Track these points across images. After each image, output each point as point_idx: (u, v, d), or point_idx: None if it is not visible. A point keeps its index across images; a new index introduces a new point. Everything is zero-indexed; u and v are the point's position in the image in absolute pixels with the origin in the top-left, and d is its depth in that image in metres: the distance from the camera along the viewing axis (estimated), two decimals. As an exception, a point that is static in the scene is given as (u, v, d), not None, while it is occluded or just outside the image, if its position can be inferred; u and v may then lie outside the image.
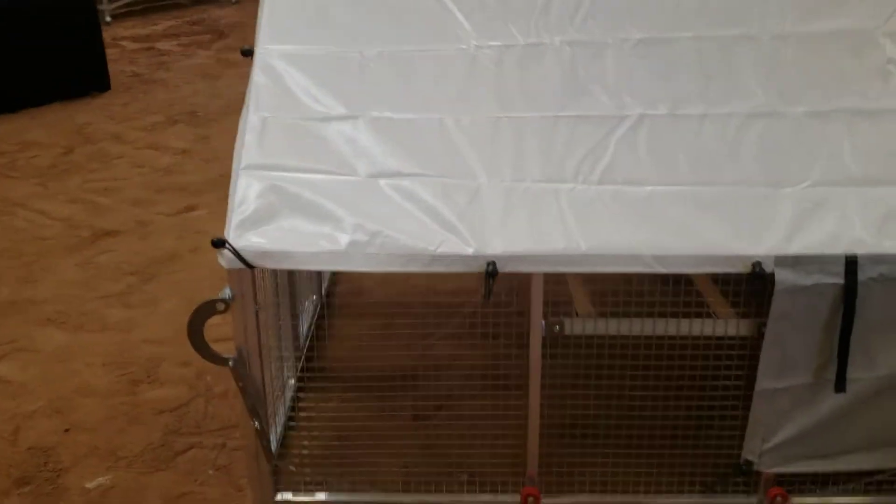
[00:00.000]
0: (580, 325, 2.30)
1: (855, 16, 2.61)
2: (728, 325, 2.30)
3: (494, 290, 2.12)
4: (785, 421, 2.33)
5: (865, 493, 2.46)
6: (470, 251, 2.16)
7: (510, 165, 2.34)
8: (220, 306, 2.21)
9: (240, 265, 2.17)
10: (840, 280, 2.16)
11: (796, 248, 2.16)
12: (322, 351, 3.05)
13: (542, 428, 2.36)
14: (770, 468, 2.39)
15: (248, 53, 2.56)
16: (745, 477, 2.42)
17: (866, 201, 2.25)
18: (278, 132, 2.39)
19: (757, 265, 2.15)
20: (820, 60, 2.53)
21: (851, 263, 2.15)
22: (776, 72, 2.51)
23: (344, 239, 2.18)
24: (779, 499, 2.41)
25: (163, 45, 8.82)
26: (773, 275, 2.15)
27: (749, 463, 2.39)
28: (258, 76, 2.48)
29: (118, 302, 3.66)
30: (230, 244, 2.16)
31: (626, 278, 2.32)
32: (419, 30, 2.60)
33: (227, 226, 2.22)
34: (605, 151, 2.36)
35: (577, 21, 2.61)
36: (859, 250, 2.16)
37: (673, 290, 2.34)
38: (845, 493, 2.44)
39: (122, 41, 8.38)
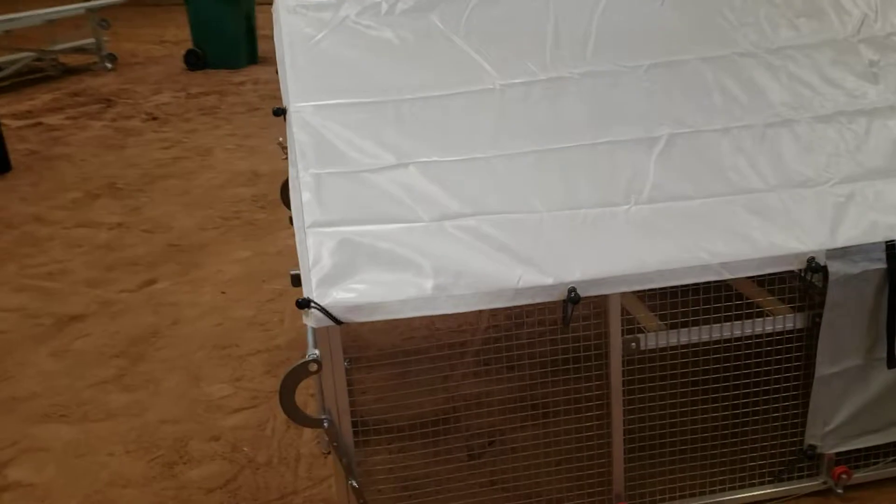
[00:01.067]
0: (654, 339, 2.39)
1: (831, 28, 2.87)
2: (785, 321, 2.45)
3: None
4: (841, 403, 2.50)
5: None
6: (550, 281, 2.22)
7: (563, 195, 2.43)
8: (313, 367, 2.18)
9: (328, 323, 2.14)
10: (882, 265, 2.35)
11: (841, 240, 2.35)
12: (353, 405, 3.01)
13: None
14: (832, 449, 2.55)
15: (281, 113, 2.55)
16: (811, 461, 2.57)
17: (886, 191, 2.47)
18: (333, 187, 2.38)
19: (811, 260, 2.32)
20: (812, 69, 2.76)
21: (891, 248, 2.35)
22: (776, 83, 2.72)
23: (428, 284, 2.19)
24: (843, 476, 2.57)
25: (50, 119, 8.47)
26: (826, 267, 2.32)
27: (812, 447, 2.54)
28: (299, 134, 2.47)
29: (115, 386, 3.48)
30: (316, 303, 2.14)
31: (663, 293, 2.42)
32: (442, 74, 2.67)
33: (305, 286, 2.20)
34: (648, 172, 2.48)
35: (589, 54, 2.75)
36: (887, 235, 2.36)
37: (714, 297, 2.46)
38: (899, 461, 2.63)
39: (2, 119, 7.97)
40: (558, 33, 2.78)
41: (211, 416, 3.23)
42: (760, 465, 2.59)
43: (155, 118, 8.27)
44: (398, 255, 2.26)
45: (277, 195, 5.91)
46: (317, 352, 2.19)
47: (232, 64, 10.49)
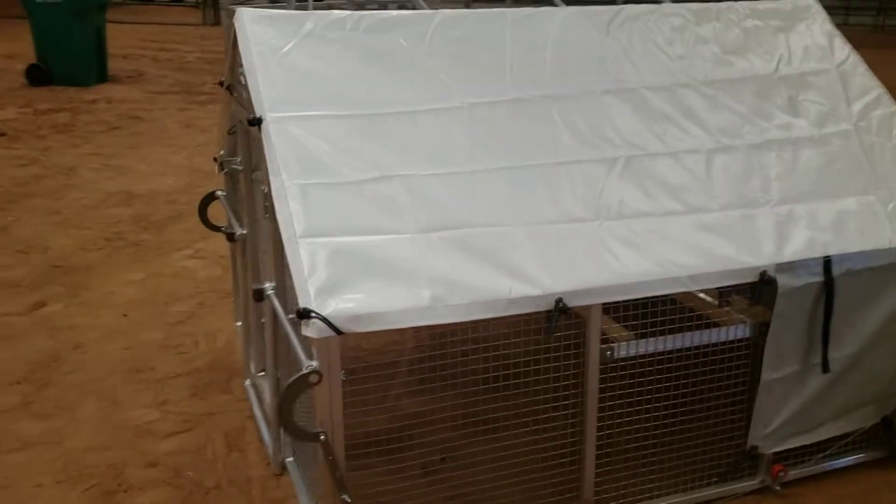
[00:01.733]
0: (625, 349, 2.51)
1: (752, 64, 3.15)
2: (738, 330, 2.64)
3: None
4: (781, 406, 2.71)
5: (841, 453, 2.90)
6: (538, 291, 2.30)
7: (539, 209, 2.52)
8: (314, 378, 2.13)
9: (330, 333, 2.11)
10: (820, 278, 2.60)
11: (787, 255, 2.58)
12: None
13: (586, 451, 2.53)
14: (771, 449, 2.76)
15: (257, 123, 2.49)
16: (752, 461, 2.77)
17: (819, 211, 2.74)
18: (320, 198, 2.36)
19: (764, 274, 2.53)
20: (741, 101, 3.02)
21: (828, 263, 2.60)
22: (713, 113, 2.95)
23: (426, 294, 2.21)
24: (781, 474, 2.79)
25: None
26: (775, 280, 2.54)
27: (754, 448, 2.74)
28: (280, 144, 2.43)
29: (23, 414, 3.21)
30: (317, 313, 2.11)
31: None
32: (412, 90, 2.70)
33: (302, 296, 2.16)
34: (612, 190, 2.62)
35: (546, 78, 2.87)
36: (829, 252, 2.62)
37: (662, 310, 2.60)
38: (827, 458, 2.88)
39: None
40: (516, 57, 2.88)
41: (142, 442, 3.05)
42: (707, 467, 2.76)
43: (3, 134, 7.70)
44: (391, 266, 2.27)
45: (160, 216, 5.70)
46: (315, 363, 2.14)
47: (80, 81, 9.96)
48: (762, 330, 2.64)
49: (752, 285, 2.57)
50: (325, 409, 2.19)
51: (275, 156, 2.41)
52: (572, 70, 2.92)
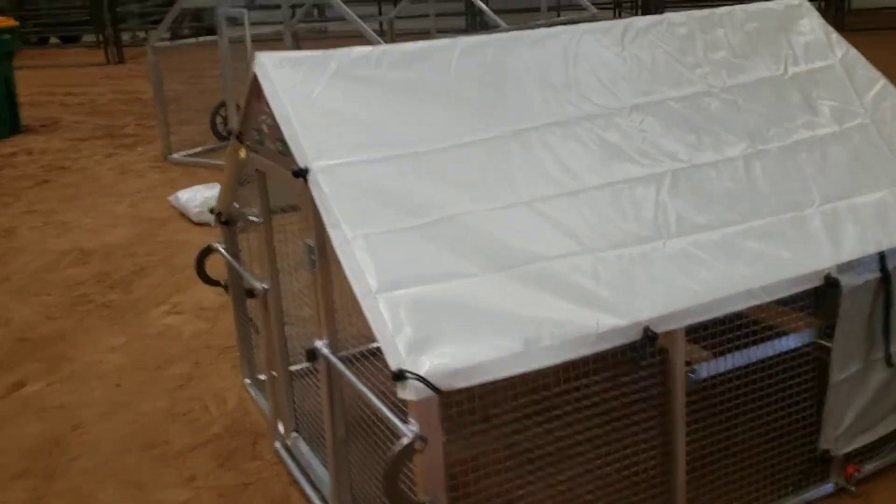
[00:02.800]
0: (706, 369, 2.45)
1: (763, 66, 3.15)
2: (804, 336, 2.62)
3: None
4: (848, 406, 2.70)
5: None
6: (625, 322, 2.22)
7: (603, 235, 2.44)
8: (420, 445, 1.99)
9: (429, 393, 1.97)
10: (877, 274, 2.60)
11: (846, 255, 2.57)
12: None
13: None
14: (842, 450, 2.75)
15: (303, 174, 2.33)
16: (824, 465, 2.75)
17: (860, 207, 2.74)
18: (386, 247, 2.22)
19: (828, 276, 2.51)
20: (761, 104, 3.01)
21: (882, 258, 2.61)
22: (738, 118, 2.93)
23: (517, 338, 2.10)
24: (856, 474, 2.78)
25: None
26: (838, 281, 2.52)
27: (826, 451, 2.72)
28: (333, 194, 2.27)
29: (39, 510, 2.94)
30: (412, 373, 1.97)
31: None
32: (448, 123, 2.59)
33: (392, 356, 2.02)
34: (667, 207, 2.57)
35: (574, 99, 2.80)
36: (881, 247, 2.62)
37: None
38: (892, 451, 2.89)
39: None
40: (542, 80, 2.80)
41: (182, 526, 2.83)
42: (783, 477, 2.73)
43: (-80, 202, 7.18)
44: (473, 312, 2.15)
45: (123, 273, 5.38)
46: (415, 427, 2.00)
47: (-9, 134, 9.40)
48: (827, 332, 2.62)
49: (816, 289, 2.55)
50: (433, 475, 2.05)
51: (331, 207, 2.26)
52: (598, 87, 2.86)
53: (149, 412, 3.59)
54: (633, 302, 2.27)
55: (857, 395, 2.71)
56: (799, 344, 2.62)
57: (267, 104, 2.54)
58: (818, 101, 3.09)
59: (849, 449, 2.76)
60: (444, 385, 1.99)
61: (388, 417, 2.08)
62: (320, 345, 2.53)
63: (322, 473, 2.91)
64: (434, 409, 2.01)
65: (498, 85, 2.74)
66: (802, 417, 2.70)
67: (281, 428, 3.19)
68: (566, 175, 2.57)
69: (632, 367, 2.29)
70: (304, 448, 3.10)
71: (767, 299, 2.45)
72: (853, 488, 2.77)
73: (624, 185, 2.60)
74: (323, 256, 2.46)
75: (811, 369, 2.66)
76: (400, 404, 2.03)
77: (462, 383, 2.02)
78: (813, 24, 3.36)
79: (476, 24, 15.58)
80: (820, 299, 2.59)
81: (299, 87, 2.50)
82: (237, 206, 3.00)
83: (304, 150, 2.36)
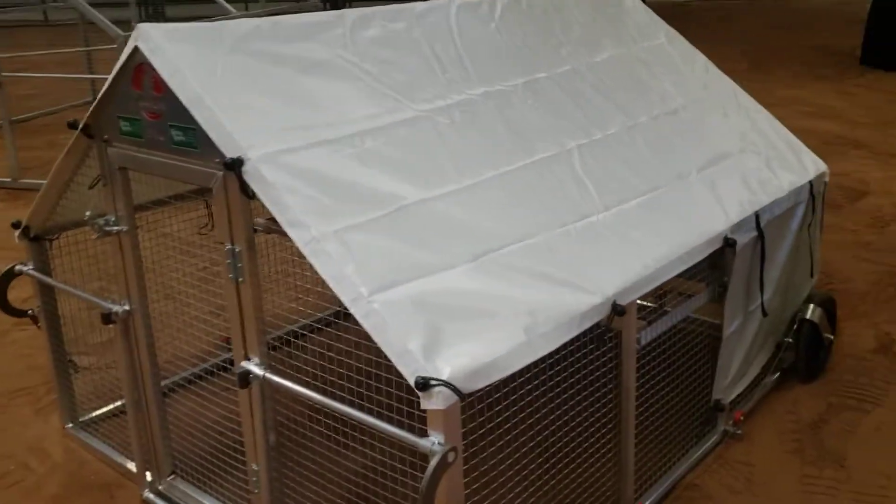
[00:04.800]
0: (648, 335, 2.47)
1: (610, 45, 3.26)
2: (703, 297, 2.75)
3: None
4: (733, 356, 2.91)
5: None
6: (598, 299, 2.18)
7: (545, 214, 2.37)
8: (451, 457, 1.77)
9: (454, 399, 1.77)
10: (755, 232, 2.82)
11: (734, 217, 2.75)
12: None
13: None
14: (730, 398, 2.95)
15: (236, 165, 1.96)
16: (719, 413, 2.94)
17: (727, 173, 2.95)
18: (359, 243, 1.95)
19: (727, 238, 2.67)
20: (620, 82, 3.12)
21: (758, 217, 2.83)
22: (607, 95, 3.01)
23: (517, 327, 1.97)
24: (742, 418, 3.00)
25: None
26: (735, 241, 2.69)
27: (718, 401, 2.91)
28: (283, 187, 1.94)
29: None
30: (438, 379, 1.76)
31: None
32: (364, 102, 2.34)
33: (406, 364, 1.79)
34: (584, 182, 2.56)
35: (473, 76, 2.68)
36: (754, 207, 2.84)
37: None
38: (761, 389, 3.16)
39: None
40: (437, 57, 2.64)
41: None
42: (690, 430, 2.86)
43: None
44: (467, 306, 1.98)
45: None
46: (437, 439, 1.78)
47: None
48: (719, 292, 2.79)
49: (718, 250, 2.69)
50: (452, 490, 1.84)
51: (285, 202, 1.93)
52: (488, 65, 2.76)
53: (-51, 484, 2.86)
54: (594, 278, 2.23)
55: (740, 345, 2.93)
56: (701, 304, 2.75)
57: (157, 85, 2.11)
58: (662, 77, 3.27)
59: (733, 396, 2.98)
60: (467, 388, 1.80)
61: (401, 435, 1.83)
62: (251, 366, 2.17)
63: (227, 513, 2.52)
64: (457, 416, 1.81)
65: (396, 62, 2.53)
66: (701, 373, 2.86)
67: (148, 476, 2.71)
68: (489, 157, 2.45)
69: (598, 342, 2.25)
70: (187, 489, 2.66)
71: (691, 263, 2.54)
72: (739, 431, 2.99)
73: (542, 163, 2.54)
74: (252, 263, 2.10)
75: (706, 328, 2.82)
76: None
77: (481, 383, 1.84)
78: (636, 5, 3.55)
79: (149, 14, 14.55)
80: (715, 260, 2.74)
81: (201, 66, 2.10)
82: (88, 213, 2.46)
83: (233, 137, 1.99)
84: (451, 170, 2.32)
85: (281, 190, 1.95)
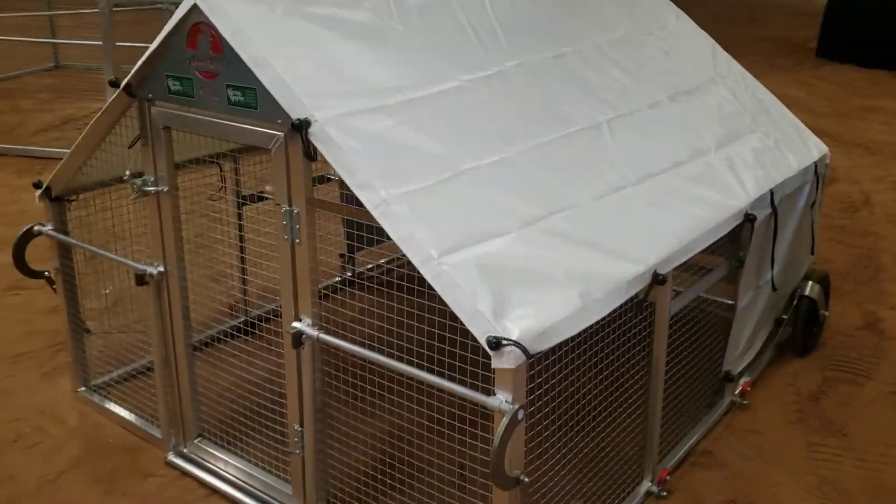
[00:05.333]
0: (676, 305, 2.55)
1: (622, 24, 3.32)
2: (721, 271, 2.84)
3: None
4: (744, 329, 3.02)
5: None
6: (642, 268, 2.25)
7: (585, 184, 2.43)
8: (520, 415, 1.82)
9: (523, 358, 1.83)
10: (769, 209, 2.93)
11: (752, 194, 2.84)
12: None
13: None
14: (738, 369, 3.06)
15: (303, 126, 1.97)
16: (728, 383, 3.05)
17: (741, 152, 3.05)
18: (424, 208, 1.98)
19: (748, 213, 2.77)
20: (639, 61, 3.18)
21: (772, 194, 2.94)
22: (628, 74, 3.07)
23: (573, 293, 2.02)
24: (749, 388, 3.11)
25: None
26: (755, 216, 2.79)
27: (728, 372, 3.02)
28: (352, 150, 1.96)
29: None
30: (510, 340, 1.81)
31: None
32: (413, 70, 2.37)
33: (477, 323, 1.83)
34: (615, 155, 2.62)
35: (506, 46, 2.72)
36: (769, 185, 2.95)
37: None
38: (762, 362, 3.28)
39: None
40: (472, 26, 2.67)
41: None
42: (695, 401, 2.97)
43: None
44: (527, 270, 2.03)
45: None
46: (504, 398, 1.84)
47: None
48: (735, 266, 2.89)
49: (738, 225, 2.78)
50: (517, 448, 1.90)
51: (354, 164, 1.95)
52: (519, 37, 2.80)
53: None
54: (635, 248, 2.30)
55: (750, 318, 3.04)
56: (720, 277, 2.84)
57: (216, 45, 2.10)
58: (675, 57, 3.35)
59: (741, 367, 3.09)
60: (532, 349, 1.85)
61: (468, 394, 1.88)
62: (304, 326, 2.19)
63: (258, 472, 2.54)
64: (524, 376, 1.87)
65: (436, 30, 2.56)
66: (712, 346, 2.96)
67: (181, 436, 2.71)
68: (531, 125, 2.50)
69: (636, 310, 2.33)
70: (213, 450, 2.67)
71: (718, 237, 2.63)
72: (746, 401, 3.11)
73: (576, 135, 2.60)
74: (310, 225, 2.12)
75: (713, 304, 2.92)
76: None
77: (545, 345, 1.90)
78: (647, -10, 3.61)
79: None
80: (734, 235, 2.83)
81: (261, 26, 2.10)
82: (129, 172, 2.43)
83: (299, 98, 2.00)
84: (496, 139, 2.36)
85: (349, 152, 1.96)
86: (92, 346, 3.11)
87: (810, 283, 3.42)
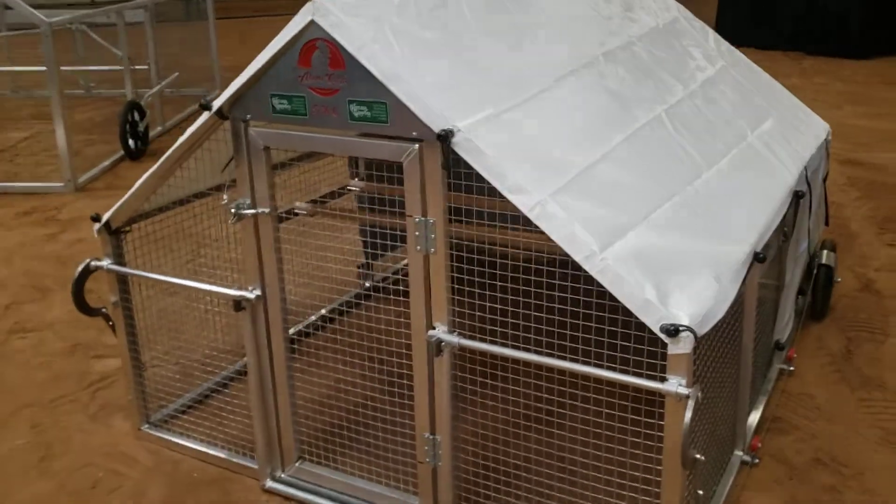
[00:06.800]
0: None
1: (644, 18, 3.44)
2: (774, 246, 3.00)
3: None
4: (787, 300, 3.20)
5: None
6: (748, 249, 2.36)
7: (676, 172, 2.53)
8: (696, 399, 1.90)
9: (693, 343, 1.91)
10: (805, 186, 3.11)
11: (794, 172, 3.01)
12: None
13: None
14: (785, 338, 3.24)
15: (447, 136, 1.98)
16: (779, 351, 3.22)
17: (768, 133, 3.22)
18: (575, 206, 2.04)
19: (798, 191, 2.93)
20: (667, 52, 3.30)
21: (804, 171, 3.12)
22: (661, 65, 3.18)
23: (710, 278, 2.11)
24: (795, 355, 3.29)
25: None
26: (804, 192, 2.96)
27: (777, 341, 3.19)
28: (497, 156, 1.99)
29: None
30: (684, 325, 1.89)
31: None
32: (520, 70, 2.43)
33: (647, 314, 1.90)
34: (683, 144, 2.73)
35: (573, 41, 2.80)
36: (803, 163, 3.13)
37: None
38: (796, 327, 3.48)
39: None
40: (533, 27, 2.73)
41: None
42: (757, 372, 3.12)
43: None
44: (668, 258, 2.11)
45: None
46: (676, 379, 1.91)
47: None
48: (782, 241, 3.05)
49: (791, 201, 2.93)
50: (688, 431, 1.97)
51: (503, 170, 1.98)
52: (576, 36, 2.88)
53: (35, 502, 2.67)
54: (734, 231, 2.41)
55: (792, 288, 3.22)
56: (774, 252, 3.00)
57: (336, 61, 2.08)
58: (690, 48, 3.50)
59: (787, 336, 3.27)
60: (700, 332, 1.94)
61: (640, 383, 1.95)
62: (441, 333, 2.19)
63: (372, 486, 2.53)
64: (691, 360, 1.94)
65: (514, 28, 2.62)
66: (764, 318, 3.12)
67: (279, 462, 2.65)
68: (611, 122, 2.58)
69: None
70: (313, 469, 2.63)
71: (783, 215, 2.77)
72: (792, 368, 3.29)
73: (647, 128, 2.69)
74: (445, 234, 2.13)
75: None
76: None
77: (706, 328, 1.98)
78: (646, -19, 3.75)
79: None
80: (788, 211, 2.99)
81: (382, 39, 2.10)
82: (226, 197, 2.36)
83: (438, 110, 2.01)
84: (594, 134, 2.43)
85: (496, 158, 1.99)
86: (149, 380, 3.00)
87: (826, 251, 3.64)
